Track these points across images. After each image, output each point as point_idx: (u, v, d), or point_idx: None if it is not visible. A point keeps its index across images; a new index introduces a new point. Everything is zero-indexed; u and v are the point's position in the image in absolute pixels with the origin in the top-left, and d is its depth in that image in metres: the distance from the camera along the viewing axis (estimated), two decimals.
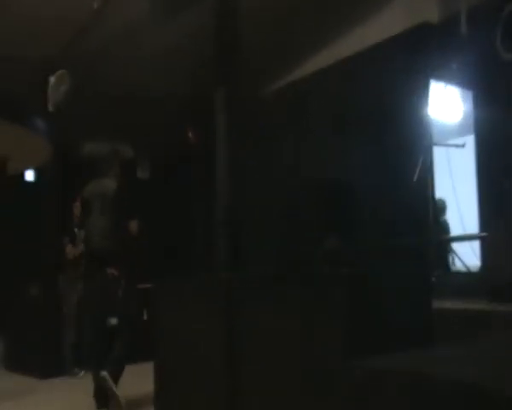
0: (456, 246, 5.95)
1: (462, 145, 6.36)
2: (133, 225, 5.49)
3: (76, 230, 6.72)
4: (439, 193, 6.37)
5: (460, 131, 6.81)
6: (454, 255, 5.74)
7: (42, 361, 6.85)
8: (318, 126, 7.41)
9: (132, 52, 6.94)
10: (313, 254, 6.21)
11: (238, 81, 4.43)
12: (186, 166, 9.02)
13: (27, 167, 8.51)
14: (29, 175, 9.05)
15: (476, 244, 5.70)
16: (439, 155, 6.40)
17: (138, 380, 5.78)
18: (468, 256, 5.62)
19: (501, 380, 1.37)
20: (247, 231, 6.88)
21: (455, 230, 6.50)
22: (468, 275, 5.30)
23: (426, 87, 6.36)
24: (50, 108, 6.47)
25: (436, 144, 6.34)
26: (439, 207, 6.63)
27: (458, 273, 5.54)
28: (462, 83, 6.50)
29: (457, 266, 5.70)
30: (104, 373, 4.81)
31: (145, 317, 7.62)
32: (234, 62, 4.40)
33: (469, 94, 6.59)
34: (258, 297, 3.31)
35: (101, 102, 7.46)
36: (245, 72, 4.53)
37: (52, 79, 6.46)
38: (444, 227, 6.79)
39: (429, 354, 1.83)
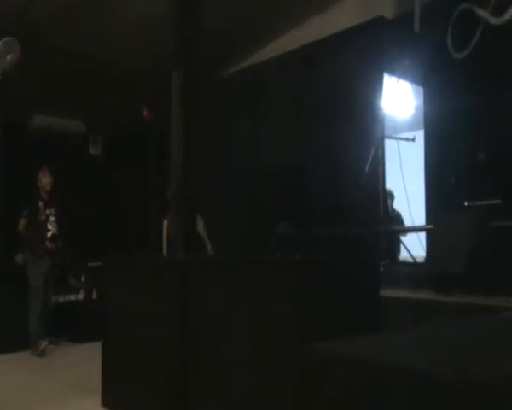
0: (404, 237, 6.13)
1: (412, 139, 6.53)
2: None
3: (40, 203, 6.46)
4: (389, 184, 6.52)
5: (411, 125, 6.99)
6: (402, 246, 5.91)
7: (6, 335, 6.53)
8: (274, 112, 7.44)
9: (90, 25, 6.74)
10: (266, 240, 6.27)
11: (195, 62, 4.39)
12: (140, 144, 8.87)
13: None
14: None
15: (423, 236, 5.89)
16: (390, 147, 6.55)
17: (85, 360, 5.71)
18: (415, 247, 5.80)
19: (442, 366, 1.43)
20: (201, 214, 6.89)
21: (404, 221, 6.70)
22: (415, 266, 5.47)
23: (379, 80, 6.48)
24: None
25: (387, 137, 6.48)
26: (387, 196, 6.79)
27: (405, 263, 5.71)
28: (414, 79, 6.66)
29: (405, 256, 5.88)
30: None
31: (94, 296, 7.52)
32: (192, 44, 4.36)
33: (420, 90, 6.77)
34: (211, 280, 3.32)
35: (54, 74, 7.24)
36: (203, 54, 4.50)
37: None
38: (396, 217, 6.97)
39: (376, 340, 1.90)
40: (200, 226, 6.76)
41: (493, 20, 5.94)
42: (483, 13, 6.03)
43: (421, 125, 6.70)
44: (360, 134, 6.36)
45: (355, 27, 6.66)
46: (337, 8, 7.26)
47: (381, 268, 4.94)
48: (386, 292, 3.70)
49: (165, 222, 6.92)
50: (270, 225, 6.58)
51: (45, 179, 6.50)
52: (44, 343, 6.25)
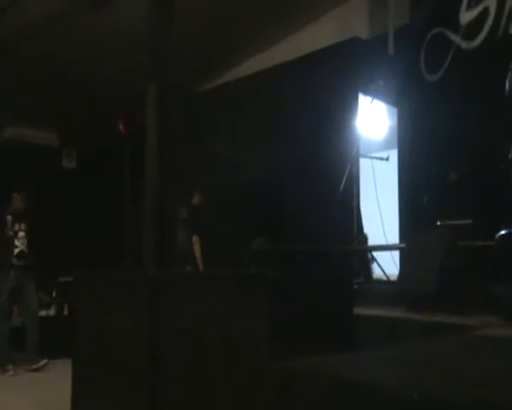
0: (377, 255, 6.18)
1: (386, 158, 6.61)
2: None
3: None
4: (364, 203, 6.58)
5: (385, 145, 7.08)
6: (376, 264, 5.95)
7: None
8: (250, 129, 7.49)
9: (64, 37, 6.70)
10: (242, 255, 6.26)
11: (170, 77, 4.40)
12: (116, 158, 8.80)
13: None
14: None
15: (397, 254, 5.95)
16: (365, 166, 6.63)
17: (56, 377, 5.58)
18: (388, 265, 5.86)
19: (412, 384, 1.44)
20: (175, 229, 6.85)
21: (377, 239, 6.75)
22: (388, 284, 5.51)
23: (354, 100, 6.58)
24: None
25: (362, 156, 6.56)
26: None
27: (379, 281, 5.76)
28: (388, 99, 6.78)
29: (379, 274, 5.92)
30: None
31: (66, 312, 7.38)
32: (167, 58, 4.37)
33: (394, 110, 6.89)
34: (183, 295, 3.30)
35: (27, 85, 7.16)
36: (179, 69, 4.51)
37: None
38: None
39: (347, 358, 1.90)
40: (196, 247, 6.71)
41: (464, 45, 6.10)
42: (455, 37, 6.19)
43: (395, 144, 6.81)
44: (335, 152, 6.42)
45: (330, 47, 6.77)
46: (313, 28, 7.39)
47: (355, 286, 4.97)
48: (360, 310, 3.71)
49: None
50: (246, 240, 6.57)
51: (17, 205, 6.33)
52: (44, 361, 6.18)
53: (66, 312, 7.39)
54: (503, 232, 3.44)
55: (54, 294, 7.62)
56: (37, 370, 6.15)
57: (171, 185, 4.86)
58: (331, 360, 1.83)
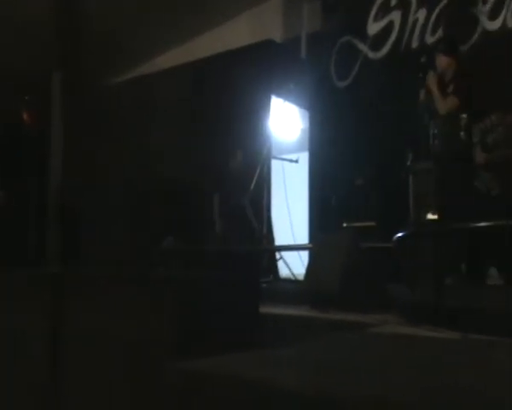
0: (286, 255, 6.29)
1: (296, 160, 6.75)
2: None
3: None
4: (274, 203, 6.68)
5: (298, 147, 7.23)
6: (284, 263, 6.06)
7: None
8: (162, 125, 7.35)
9: None
10: (149, 254, 6.14)
11: (77, 66, 4.23)
12: (19, 148, 8.32)
13: None
14: None
15: (305, 254, 6.09)
16: (276, 167, 6.73)
17: None
18: (296, 265, 5.98)
19: (309, 382, 1.47)
20: (84, 228, 6.60)
21: (287, 240, 6.87)
22: (295, 283, 5.63)
23: (267, 101, 6.66)
24: None
25: (273, 157, 6.65)
26: None
27: (287, 280, 5.87)
28: (300, 102, 6.94)
29: (286, 273, 6.04)
30: None
31: None
32: (73, 46, 4.20)
33: (306, 114, 7.06)
34: (86, 294, 3.18)
35: None
36: (87, 58, 4.35)
37: None
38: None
39: (251, 357, 1.91)
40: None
41: (371, 55, 6.37)
42: (362, 47, 6.44)
43: (306, 147, 6.98)
44: (246, 152, 6.46)
45: (245, 48, 6.81)
46: (228, 27, 7.41)
47: (264, 285, 5.04)
48: (266, 309, 3.76)
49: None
50: (155, 239, 6.45)
51: None
52: None
53: None
54: (399, 235, 3.61)
55: None
56: None
57: (77, 178, 4.68)
58: (234, 359, 1.83)
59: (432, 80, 4.24)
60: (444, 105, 4.16)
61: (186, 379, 1.70)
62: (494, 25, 5.54)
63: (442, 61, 4.27)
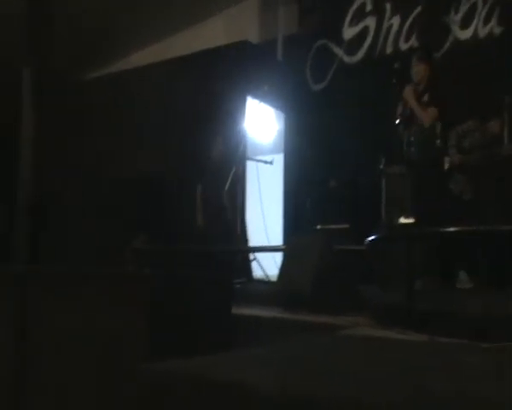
0: (260, 256, 6.29)
1: (270, 162, 6.75)
2: None
3: None
4: (248, 204, 6.67)
5: (273, 148, 7.23)
6: (257, 264, 6.05)
7: None
8: (137, 122, 7.27)
9: None
10: (121, 252, 6.07)
11: (48, 60, 4.15)
12: None
13: None
14: None
15: (278, 255, 6.09)
16: (251, 168, 6.72)
17: None
18: (270, 266, 5.98)
19: (277, 383, 1.46)
20: (53, 224, 6.48)
21: (261, 241, 6.87)
22: (269, 284, 5.63)
23: (242, 101, 6.65)
24: None
25: (248, 158, 6.64)
26: None
27: (261, 282, 5.86)
28: (276, 104, 6.95)
29: (260, 274, 6.03)
30: None
31: None
32: (44, 42, 4.12)
33: (282, 115, 7.07)
34: (56, 293, 3.12)
35: None
36: (59, 54, 4.27)
37: None
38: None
39: (221, 358, 1.90)
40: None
41: (346, 59, 6.42)
42: (338, 51, 6.49)
43: (281, 149, 6.99)
44: (221, 152, 6.42)
45: (220, 48, 6.79)
46: (205, 27, 7.38)
47: (237, 286, 5.02)
48: (239, 309, 3.75)
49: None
50: (127, 237, 6.38)
51: None
52: None
53: None
54: (371, 238, 3.64)
55: None
56: None
57: (48, 175, 4.59)
58: (207, 360, 1.82)
59: (409, 94, 4.27)
60: (427, 118, 4.20)
61: (154, 379, 1.68)
62: (466, 34, 5.64)
63: (420, 69, 4.31)
